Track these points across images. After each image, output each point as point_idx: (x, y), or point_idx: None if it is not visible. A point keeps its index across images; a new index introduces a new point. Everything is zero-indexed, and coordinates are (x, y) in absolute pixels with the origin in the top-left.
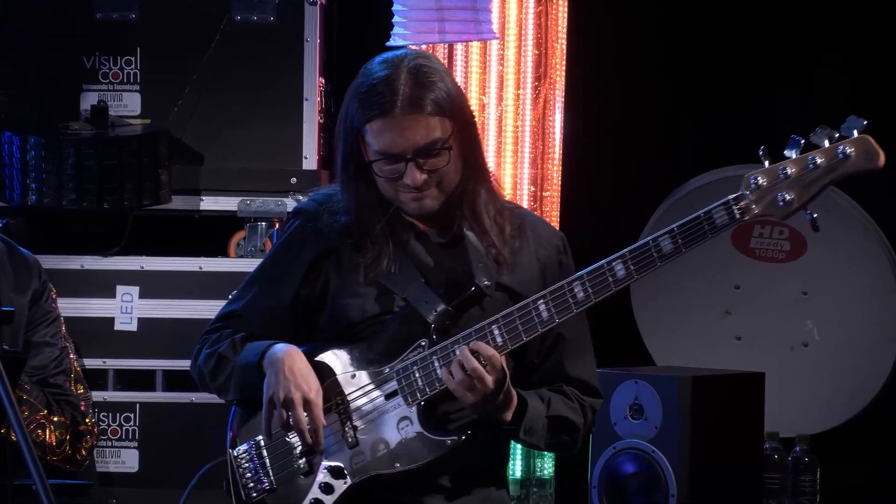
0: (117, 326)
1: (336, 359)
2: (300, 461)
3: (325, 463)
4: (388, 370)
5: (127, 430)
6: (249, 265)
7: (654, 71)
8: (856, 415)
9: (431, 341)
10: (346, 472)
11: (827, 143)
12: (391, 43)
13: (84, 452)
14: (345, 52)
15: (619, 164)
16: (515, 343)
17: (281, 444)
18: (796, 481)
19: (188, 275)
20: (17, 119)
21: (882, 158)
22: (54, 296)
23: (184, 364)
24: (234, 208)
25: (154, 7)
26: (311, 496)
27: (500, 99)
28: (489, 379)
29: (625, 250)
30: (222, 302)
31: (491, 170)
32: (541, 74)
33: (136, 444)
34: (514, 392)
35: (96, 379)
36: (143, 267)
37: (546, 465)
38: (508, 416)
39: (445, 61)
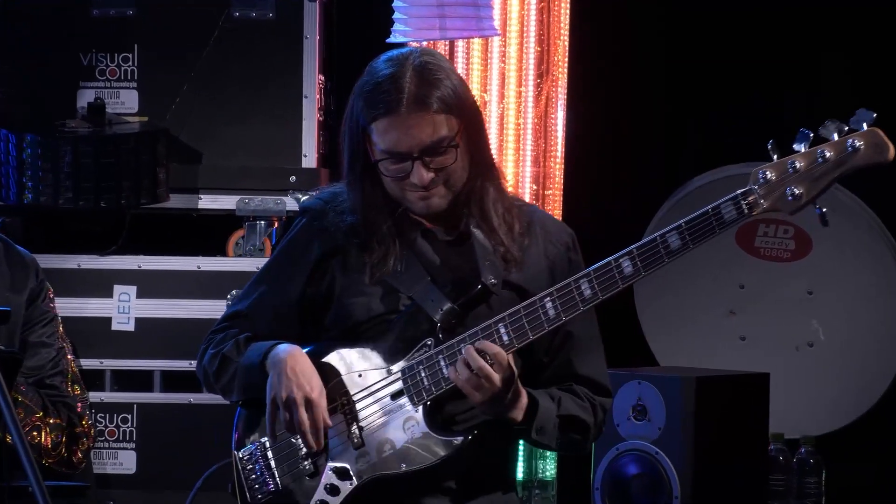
0: (114, 326)
1: (341, 359)
2: (305, 462)
3: (331, 464)
4: (393, 370)
5: (124, 432)
6: (248, 264)
7: (657, 69)
8: (862, 415)
9: (437, 340)
10: (351, 473)
11: (836, 137)
12: (391, 40)
13: (80, 455)
14: (345, 49)
15: (621, 163)
16: (522, 341)
17: (286, 445)
18: (801, 483)
19: (186, 274)
20: (13, 116)
21: (892, 151)
22: (52, 295)
23: (182, 365)
24: (233, 207)
25: (152, 3)
26: (316, 498)
27: (502, 96)
28: (496, 377)
29: (632, 247)
30: (221, 301)
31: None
32: (543, 71)
33: (133, 445)
34: (523, 391)
35: (93, 379)
36: (140, 266)
37: (548, 467)
38: (519, 415)
39: (446, 58)
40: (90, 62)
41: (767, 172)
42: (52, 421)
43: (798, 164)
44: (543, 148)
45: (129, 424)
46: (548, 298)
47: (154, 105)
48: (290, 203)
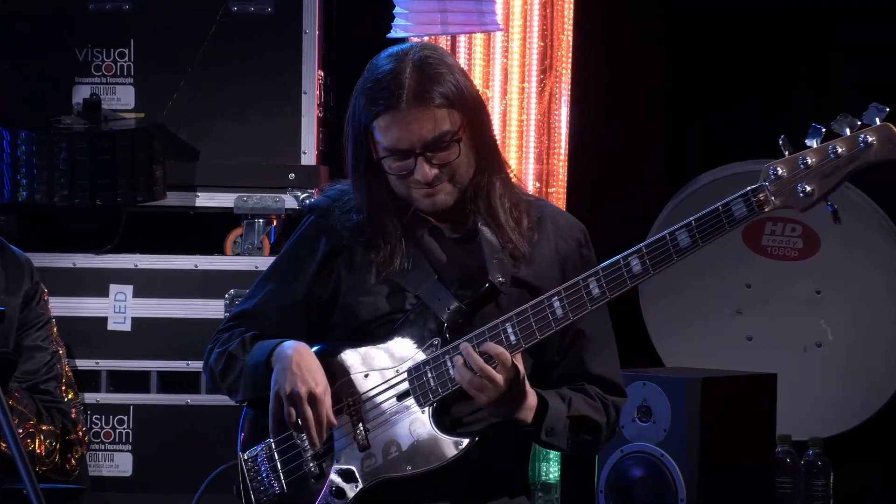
0: (110, 326)
1: (347, 359)
2: (311, 464)
3: (336, 466)
4: (400, 370)
5: (120, 433)
6: (247, 263)
7: (660, 66)
8: (870, 417)
9: (444, 340)
10: (357, 475)
11: (848, 132)
12: (392, 35)
13: (74, 462)
14: (345, 44)
15: (625, 160)
16: (529, 341)
17: (292, 446)
18: (809, 485)
19: (183, 273)
20: (7, 113)
21: None
22: (46, 297)
23: (179, 365)
24: (231, 205)
25: None
26: (321, 500)
27: (505, 92)
28: (499, 378)
29: (641, 244)
30: (219, 301)
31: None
32: (546, 67)
33: (129, 447)
34: (531, 392)
35: (89, 380)
36: (137, 265)
37: (551, 469)
38: (528, 417)
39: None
40: (86, 58)
41: (778, 168)
42: (45, 428)
43: (810, 160)
44: (547, 145)
45: (126, 426)
46: (555, 298)
47: (151, 101)
48: (290, 201)
